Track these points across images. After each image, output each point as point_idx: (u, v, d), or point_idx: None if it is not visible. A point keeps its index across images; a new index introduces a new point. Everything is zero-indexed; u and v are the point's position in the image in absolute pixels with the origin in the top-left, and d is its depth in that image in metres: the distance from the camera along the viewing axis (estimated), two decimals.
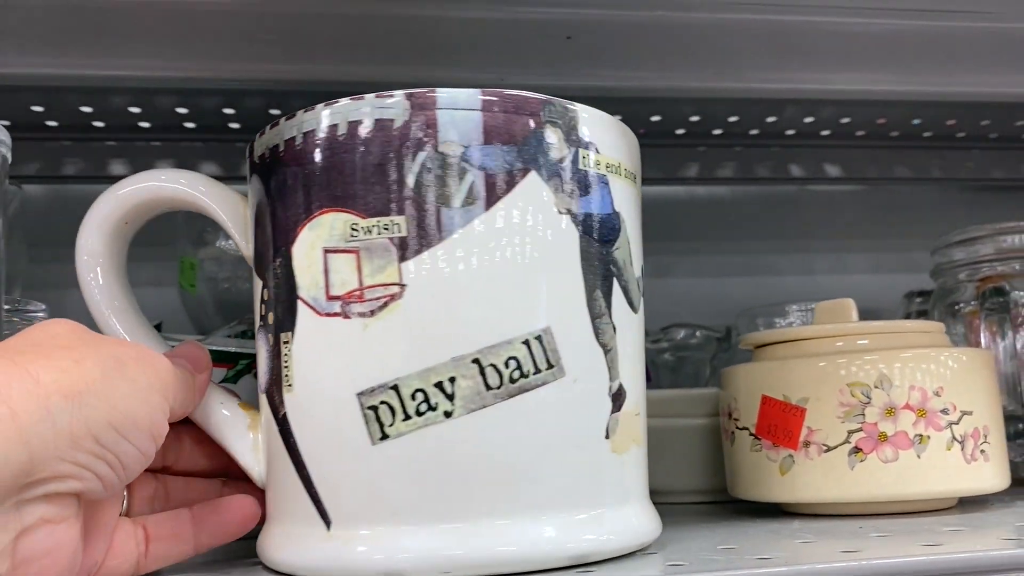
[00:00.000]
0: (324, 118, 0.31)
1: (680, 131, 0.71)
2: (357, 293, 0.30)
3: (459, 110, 0.30)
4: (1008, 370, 0.52)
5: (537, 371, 0.30)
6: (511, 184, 0.30)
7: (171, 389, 0.31)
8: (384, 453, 0.29)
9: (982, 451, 0.41)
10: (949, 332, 0.56)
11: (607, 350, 0.32)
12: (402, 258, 0.30)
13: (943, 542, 0.32)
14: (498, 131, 0.30)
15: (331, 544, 0.30)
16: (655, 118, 0.68)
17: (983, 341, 0.53)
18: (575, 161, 0.31)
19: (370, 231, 0.30)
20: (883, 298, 0.72)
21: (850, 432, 0.40)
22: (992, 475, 0.41)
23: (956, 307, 0.57)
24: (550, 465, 0.30)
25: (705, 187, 0.77)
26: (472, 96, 0.30)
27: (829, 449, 0.40)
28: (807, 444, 0.41)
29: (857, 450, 0.40)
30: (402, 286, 0.30)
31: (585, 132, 0.32)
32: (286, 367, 0.32)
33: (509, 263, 0.30)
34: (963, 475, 0.40)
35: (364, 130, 0.30)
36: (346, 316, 0.30)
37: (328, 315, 0.30)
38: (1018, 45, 0.59)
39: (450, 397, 0.29)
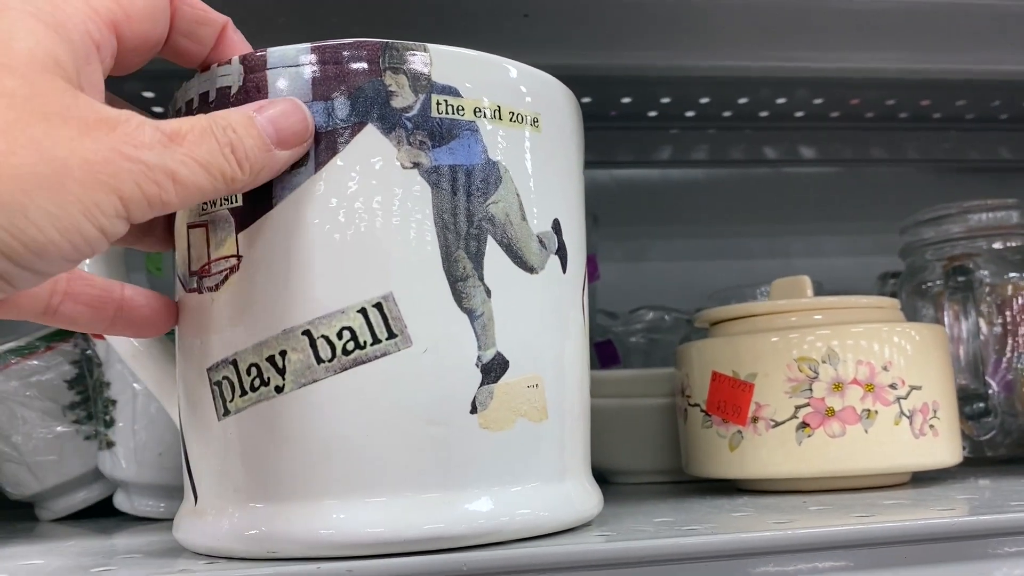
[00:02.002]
0: (185, 94, 0.31)
1: (652, 113, 0.70)
2: (207, 267, 0.30)
3: (288, 67, 0.28)
4: (971, 349, 0.51)
5: (376, 342, 0.28)
6: (344, 141, 0.28)
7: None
8: (227, 429, 0.29)
9: (931, 426, 0.40)
10: (918, 312, 0.56)
11: (474, 316, 0.29)
12: (239, 229, 0.29)
13: (878, 514, 0.32)
14: (329, 85, 0.28)
15: (194, 518, 0.30)
16: (626, 100, 0.68)
17: (947, 320, 0.53)
18: (426, 108, 0.29)
19: (215, 203, 0.29)
20: (858, 280, 0.71)
21: (797, 407, 0.40)
22: (942, 450, 0.41)
23: (924, 286, 0.56)
24: (389, 443, 0.28)
25: (679, 170, 0.77)
26: (301, 51, 0.29)
27: (777, 424, 0.40)
28: (755, 420, 0.40)
29: (805, 425, 0.40)
30: (239, 258, 0.29)
31: (442, 75, 0.29)
32: (177, 344, 0.32)
33: (341, 226, 0.28)
34: (912, 450, 0.40)
35: (210, 100, 0.30)
36: (200, 291, 0.30)
37: (190, 291, 0.30)
38: (994, 22, 0.58)
39: (281, 372, 0.28)
